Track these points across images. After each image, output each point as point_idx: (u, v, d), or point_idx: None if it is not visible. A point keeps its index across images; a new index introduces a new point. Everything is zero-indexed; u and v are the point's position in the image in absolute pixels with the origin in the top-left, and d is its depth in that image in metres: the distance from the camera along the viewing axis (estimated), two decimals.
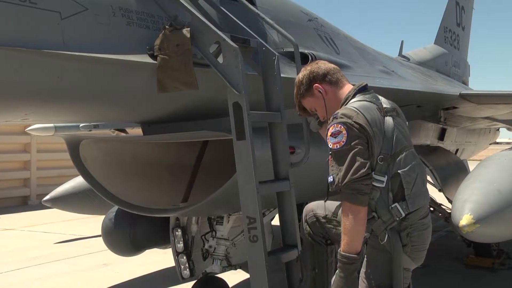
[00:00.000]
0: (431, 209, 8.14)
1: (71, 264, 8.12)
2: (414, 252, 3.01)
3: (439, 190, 7.29)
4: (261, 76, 3.76)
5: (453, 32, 12.80)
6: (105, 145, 4.51)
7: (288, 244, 3.72)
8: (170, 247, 4.98)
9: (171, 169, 4.78)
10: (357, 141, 2.84)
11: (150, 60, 3.32)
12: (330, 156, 2.94)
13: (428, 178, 7.76)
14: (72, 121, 6.30)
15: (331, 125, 2.91)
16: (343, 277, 2.87)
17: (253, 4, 4.34)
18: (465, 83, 12.83)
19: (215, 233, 4.75)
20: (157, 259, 7.30)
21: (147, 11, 3.49)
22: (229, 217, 4.65)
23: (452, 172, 7.65)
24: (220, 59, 3.40)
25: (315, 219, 3.54)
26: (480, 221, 4.01)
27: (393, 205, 2.91)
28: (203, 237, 4.82)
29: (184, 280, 4.88)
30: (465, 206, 4.13)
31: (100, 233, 5.54)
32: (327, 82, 3.17)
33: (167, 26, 3.34)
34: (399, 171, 2.92)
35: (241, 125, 3.29)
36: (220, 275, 4.84)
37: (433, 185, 7.49)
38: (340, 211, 3.07)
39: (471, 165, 7.19)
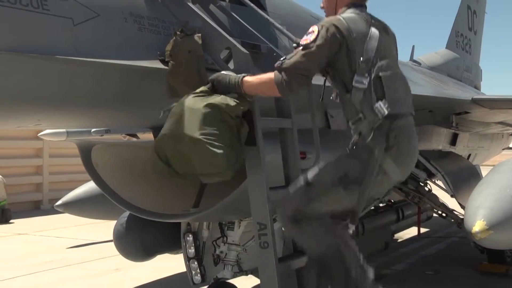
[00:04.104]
0: (443, 214, 8.10)
1: (83, 269, 8.14)
2: (399, 157, 3.07)
3: (451, 196, 7.24)
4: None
5: (465, 36, 12.72)
6: (116, 150, 4.53)
7: (298, 250, 3.71)
8: (181, 253, 4.98)
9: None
10: (322, 44, 3.01)
11: (161, 66, 3.34)
12: (296, 46, 3.13)
13: (440, 183, 7.74)
14: (84, 126, 6.34)
15: (312, 26, 3.10)
16: (227, 85, 3.18)
17: (264, 9, 4.35)
18: (477, 87, 12.74)
19: (226, 238, 4.74)
20: (168, 264, 7.30)
21: (158, 16, 3.51)
22: (240, 223, 4.64)
23: (465, 178, 7.59)
24: (230, 65, 3.41)
25: None
26: (494, 228, 3.98)
27: (376, 104, 3.03)
28: (214, 242, 4.81)
29: (195, 285, 4.88)
30: (478, 212, 4.10)
31: (112, 238, 5.56)
32: None
33: (178, 32, 3.36)
34: (380, 73, 3.06)
35: (252, 131, 3.29)
36: (231, 281, 4.83)
37: (445, 190, 7.45)
38: None
39: (484, 171, 7.14)
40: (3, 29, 2.65)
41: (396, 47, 3.38)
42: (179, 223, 4.81)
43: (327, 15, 3.38)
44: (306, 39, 3.06)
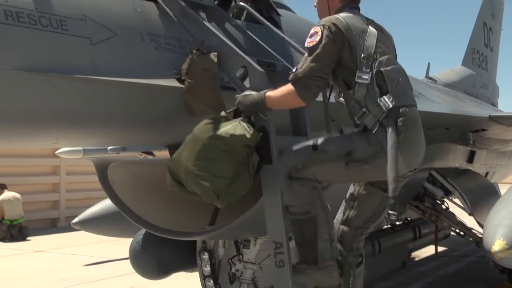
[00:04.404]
0: (461, 233, 7.99)
1: (99, 287, 8.15)
2: (406, 145, 3.11)
3: (469, 214, 7.15)
4: None
5: (481, 53, 12.67)
6: (133, 168, 4.55)
7: None
8: (197, 271, 4.96)
9: None
10: (327, 45, 3.12)
11: (177, 84, 3.36)
12: (305, 54, 3.23)
13: (458, 201, 7.65)
14: (101, 145, 6.39)
15: (313, 28, 3.21)
16: (251, 103, 3.21)
17: (279, 28, 4.38)
18: (494, 104, 12.64)
19: (242, 256, 4.72)
20: (184, 282, 7.28)
21: (175, 35, 3.55)
22: (256, 241, 4.62)
23: (483, 196, 7.50)
24: (246, 83, 3.42)
25: (341, 229, 3.57)
26: None
27: (380, 98, 3.12)
28: (230, 260, 4.79)
29: None
30: (498, 231, 4.05)
31: (128, 255, 5.56)
32: None
33: (194, 51, 3.39)
34: (381, 68, 3.16)
35: (267, 149, 3.29)
36: None
37: (463, 208, 7.36)
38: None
39: (502, 189, 7.06)
40: (23, 49, 2.70)
41: (394, 47, 3.47)
42: (195, 241, 4.80)
43: (319, 16, 3.51)
44: (312, 41, 3.16)
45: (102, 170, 4.40)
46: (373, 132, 3.13)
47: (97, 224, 7.50)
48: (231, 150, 3.13)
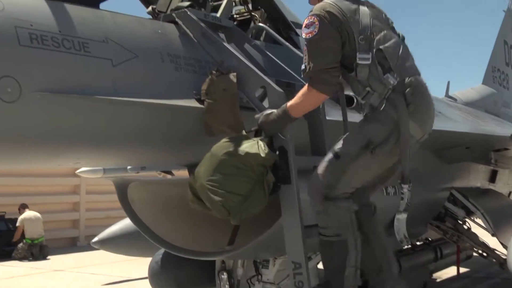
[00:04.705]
0: (484, 254, 7.86)
1: None
2: (417, 113, 3.18)
3: (492, 235, 7.03)
4: (306, 120, 3.76)
5: (502, 71, 12.56)
6: (152, 188, 4.57)
7: None
8: None
9: None
10: (328, 33, 3.13)
11: (197, 105, 3.39)
12: (304, 46, 3.22)
13: (480, 221, 7.53)
14: (121, 164, 6.43)
15: (306, 18, 3.20)
16: (274, 120, 3.23)
17: (298, 47, 4.40)
18: None
19: (261, 276, 4.69)
20: None
21: (195, 56, 3.59)
22: (275, 261, 4.60)
23: (506, 216, 7.36)
24: (265, 103, 3.44)
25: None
26: None
27: (384, 76, 3.15)
28: (248, 280, 4.77)
29: None
30: None
31: (147, 275, 5.56)
32: None
33: (213, 71, 3.42)
34: (380, 47, 3.19)
35: (286, 169, 3.29)
36: None
37: (486, 229, 7.24)
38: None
39: None
40: (47, 71, 2.76)
41: (387, 18, 3.46)
42: (214, 261, 4.79)
43: (311, 2, 3.48)
44: (310, 32, 3.15)
45: (122, 189, 4.43)
46: (382, 109, 3.16)
47: (116, 243, 7.52)
48: (246, 168, 3.15)
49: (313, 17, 3.17)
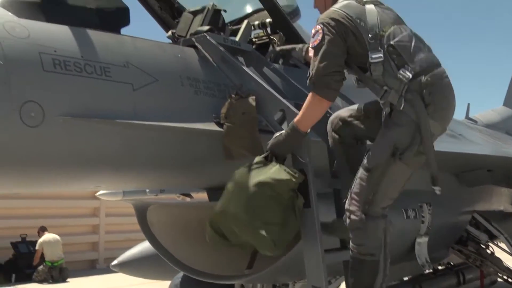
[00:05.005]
0: (509, 280, 7.69)
1: None
2: (436, 112, 3.15)
3: None
4: (326, 143, 3.76)
5: None
6: (171, 211, 4.58)
7: None
8: None
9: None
10: (331, 38, 3.17)
11: (216, 128, 3.41)
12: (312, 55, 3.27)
13: (504, 246, 7.39)
14: (140, 187, 6.47)
15: (313, 28, 3.26)
16: (284, 140, 3.21)
17: None
18: None
19: None
20: None
21: (214, 80, 3.62)
22: (294, 285, 4.56)
23: None
24: (284, 126, 3.44)
25: (341, 123, 3.58)
26: None
27: (399, 71, 3.13)
28: None
29: None
30: None
31: None
32: None
33: (233, 95, 3.44)
34: (391, 42, 3.19)
35: (306, 192, 3.27)
36: None
37: (510, 254, 7.10)
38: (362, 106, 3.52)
39: None
40: (69, 95, 2.81)
41: (396, 14, 3.43)
42: (233, 285, 4.76)
43: (320, 11, 3.53)
44: (315, 40, 3.21)
45: (141, 212, 4.45)
46: (401, 109, 3.12)
47: (136, 266, 7.52)
48: (277, 196, 3.11)
49: (318, 26, 3.24)
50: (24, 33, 2.78)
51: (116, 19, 3.46)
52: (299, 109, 3.42)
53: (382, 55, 3.17)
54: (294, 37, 4.45)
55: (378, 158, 3.19)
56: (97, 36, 3.12)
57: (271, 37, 4.46)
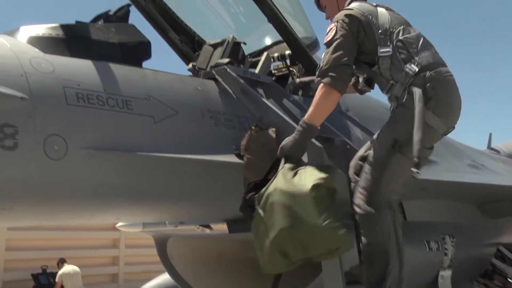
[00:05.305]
0: None
1: None
2: (439, 108, 3.20)
3: None
4: (346, 175, 3.74)
5: None
6: (191, 243, 4.58)
7: None
8: None
9: (256, 266, 4.74)
10: (344, 33, 3.29)
11: (236, 160, 3.41)
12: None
13: None
14: (160, 219, 6.47)
15: (328, 27, 3.40)
16: (297, 139, 3.20)
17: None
18: None
19: None
20: None
21: (234, 112, 3.64)
22: None
23: None
24: (304, 158, 3.43)
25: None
26: None
27: (406, 65, 3.23)
28: None
29: None
30: None
31: None
32: None
33: (253, 127, 3.45)
34: (400, 37, 3.32)
35: None
36: None
37: None
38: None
39: None
40: (91, 128, 2.85)
41: (407, 20, 3.54)
42: None
43: (328, 17, 3.74)
44: (328, 36, 3.33)
45: (161, 244, 4.45)
46: (403, 101, 3.20)
47: None
48: (329, 193, 3.08)
49: (332, 24, 3.38)
50: (49, 68, 2.85)
51: (138, 52, 3.52)
52: (319, 141, 3.41)
53: (390, 50, 3.29)
54: (313, 68, 4.46)
55: (380, 150, 3.26)
56: (119, 70, 3.17)
57: (291, 68, 4.50)
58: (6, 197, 2.71)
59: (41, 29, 3.12)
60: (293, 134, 3.24)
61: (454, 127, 3.44)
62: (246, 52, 4.36)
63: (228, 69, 3.74)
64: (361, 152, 3.61)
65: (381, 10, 3.45)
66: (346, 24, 3.32)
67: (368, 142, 3.64)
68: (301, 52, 4.42)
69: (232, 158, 3.41)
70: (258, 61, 4.22)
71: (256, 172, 3.36)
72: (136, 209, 3.42)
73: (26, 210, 2.92)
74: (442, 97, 3.24)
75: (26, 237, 14.61)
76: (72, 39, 3.18)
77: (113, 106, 2.96)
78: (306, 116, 3.25)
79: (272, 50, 4.62)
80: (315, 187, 3.02)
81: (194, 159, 3.22)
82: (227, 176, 3.45)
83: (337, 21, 3.36)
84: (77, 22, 3.43)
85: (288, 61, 4.50)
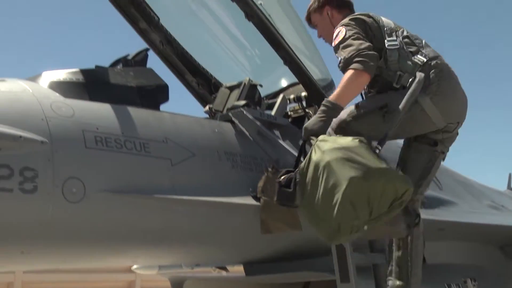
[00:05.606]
0: None
1: None
2: (438, 95, 3.29)
3: None
4: None
5: None
6: (207, 285, 4.54)
7: None
8: None
9: None
10: (354, 31, 3.35)
11: (253, 202, 3.41)
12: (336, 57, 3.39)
13: None
14: (177, 262, 6.43)
15: (334, 33, 3.46)
16: (322, 118, 3.19)
17: None
18: None
19: None
20: None
21: (250, 154, 3.65)
22: None
23: None
24: None
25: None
26: None
27: (415, 56, 3.36)
28: None
29: None
30: None
31: None
32: (337, 8, 3.74)
33: (269, 169, 3.45)
34: (405, 33, 3.47)
35: (345, 266, 3.21)
36: None
37: None
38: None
39: None
40: (109, 171, 2.87)
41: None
42: None
43: (327, 40, 3.77)
44: (338, 38, 3.38)
45: (177, 286, 4.41)
46: (407, 85, 3.27)
47: None
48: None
49: (338, 27, 3.45)
50: (69, 112, 2.89)
51: (156, 96, 3.57)
52: None
53: (398, 43, 3.41)
54: None
55: (370, 104, 3.40)
56: (137, 113, 3.21)
57: (307, 110, 4.51)
58: (25, 241, 2.72)
59: (62, 74, 3.18)
60: (316, 115, 3.25)
61: (458, 124, 3.50)
62: (262, 94, 4.39)
63: (244, 112, 3.77)
64: (343, 116, 3.52)
65: (382, 18, 3.58)
66: (353, 25, 3.42)
67: (352, 107, 3.59)
68: (317, 94, 4.44)
69: (249, 200, 3.41)
70: (274, 103, 4.24)
71: (274, 214, 3.34)
72: (152, 251, 3.40)
73: (44, 253, 2.92)
74: (443, 86, 3.33)
75: (41, 280, 14.54)
76: (92, 84, 3.24)
77: (131, 149, 2.98)
78: (331, 96, 3.26)
79: (288, 92, 4.65)
80: (360, 141, 3.02)
81: (211, 201, 3.22)
82: (244, 218, 3.43)
83: (342, 25, 3.44)
84: (96, 66, 3.50)
85: (304, 103, 4.51)
